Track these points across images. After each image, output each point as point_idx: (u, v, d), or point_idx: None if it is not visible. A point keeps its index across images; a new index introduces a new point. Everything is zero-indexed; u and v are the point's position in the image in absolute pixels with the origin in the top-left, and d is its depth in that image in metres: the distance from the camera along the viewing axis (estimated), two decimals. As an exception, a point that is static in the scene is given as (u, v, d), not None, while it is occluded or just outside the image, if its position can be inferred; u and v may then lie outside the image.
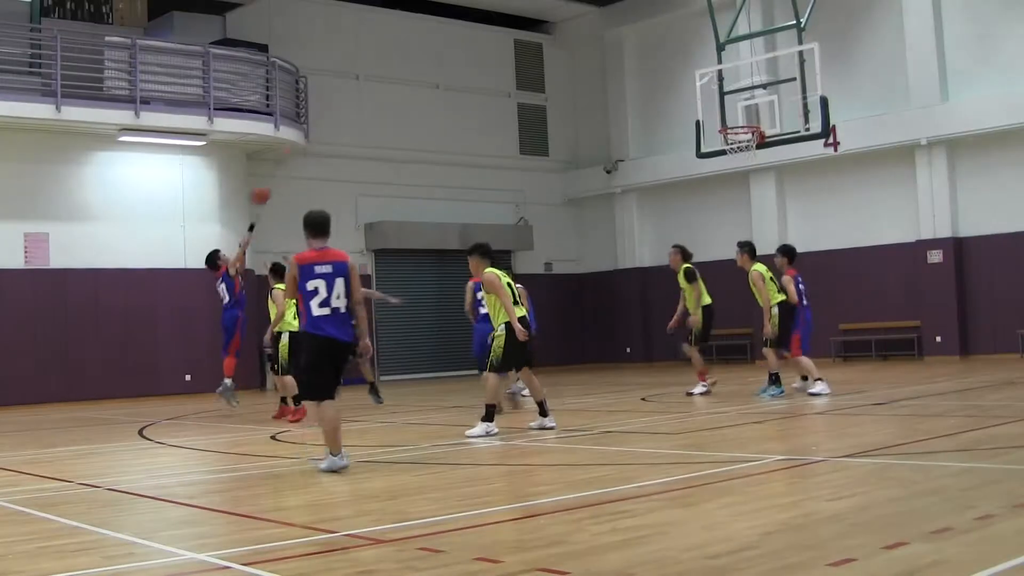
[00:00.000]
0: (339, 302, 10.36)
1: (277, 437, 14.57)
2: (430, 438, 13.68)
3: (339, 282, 10.38)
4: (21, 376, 25.15)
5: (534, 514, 7.73)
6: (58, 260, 25.86)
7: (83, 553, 7.03)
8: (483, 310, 15.78)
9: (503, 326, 13.19)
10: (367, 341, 10.59)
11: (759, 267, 17.82)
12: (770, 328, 17.42)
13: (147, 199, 27.17)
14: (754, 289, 17.73)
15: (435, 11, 34.82)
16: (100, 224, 26.66)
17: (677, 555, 6.14)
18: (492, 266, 13.67)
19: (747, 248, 18.28)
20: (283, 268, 16.50)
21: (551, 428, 13.54)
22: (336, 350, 10.36)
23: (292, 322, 16.69)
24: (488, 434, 12.98)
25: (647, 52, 35.95)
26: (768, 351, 17.63)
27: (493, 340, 13.33)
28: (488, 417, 13.16)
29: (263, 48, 30.09)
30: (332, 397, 10.41)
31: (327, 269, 10.36)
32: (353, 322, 10.56)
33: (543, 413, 13.64)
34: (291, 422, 16.84)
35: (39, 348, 25.59)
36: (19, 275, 25.53)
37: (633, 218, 35.94)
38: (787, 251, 18.71)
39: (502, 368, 13.43)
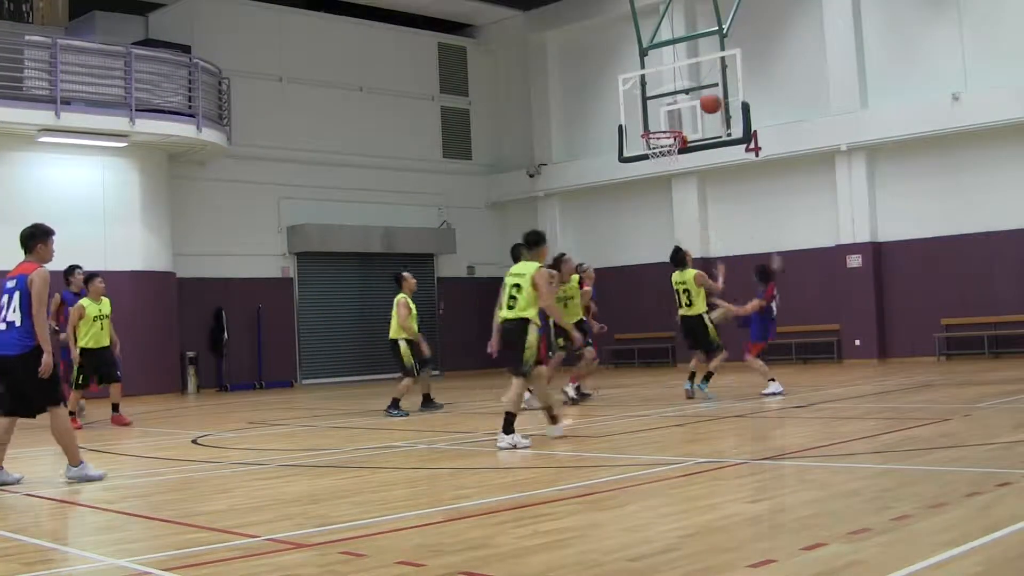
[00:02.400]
0: (14, 316, 10.45)
1: (198, 441, 14.46)
2: (353, 442, 13.65)
3: (16, 296, 10.52)
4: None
5: (456, 518, 7.72)
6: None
7: (0, 560, 6.94)
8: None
9: (537, 329, 12.51)
10: (48, 359, 10.39)
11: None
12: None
13: (67, 200, 26.77)
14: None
15: (359, 14, 34.67)
16: (19, 226, 25.96)
17: (599, 557, 6.18)
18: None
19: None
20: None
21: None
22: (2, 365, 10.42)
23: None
24: (516, 447, 12.05)
25: (571, 56, 36.07)
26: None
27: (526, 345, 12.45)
28: (508, 424, 12.20)
29: (186, 49, 29.84)
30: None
31: (11, 283, 10.61)
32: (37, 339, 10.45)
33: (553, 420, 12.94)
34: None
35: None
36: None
37: (556, 222, 36.00)
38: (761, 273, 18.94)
39: (528, 373, 12.55)
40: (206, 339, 30.42)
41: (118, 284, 26.31)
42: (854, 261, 29.12)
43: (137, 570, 6.39)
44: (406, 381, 17.77)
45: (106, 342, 17.95)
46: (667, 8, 26.83)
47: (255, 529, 7.51)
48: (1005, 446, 10.16)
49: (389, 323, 18.15)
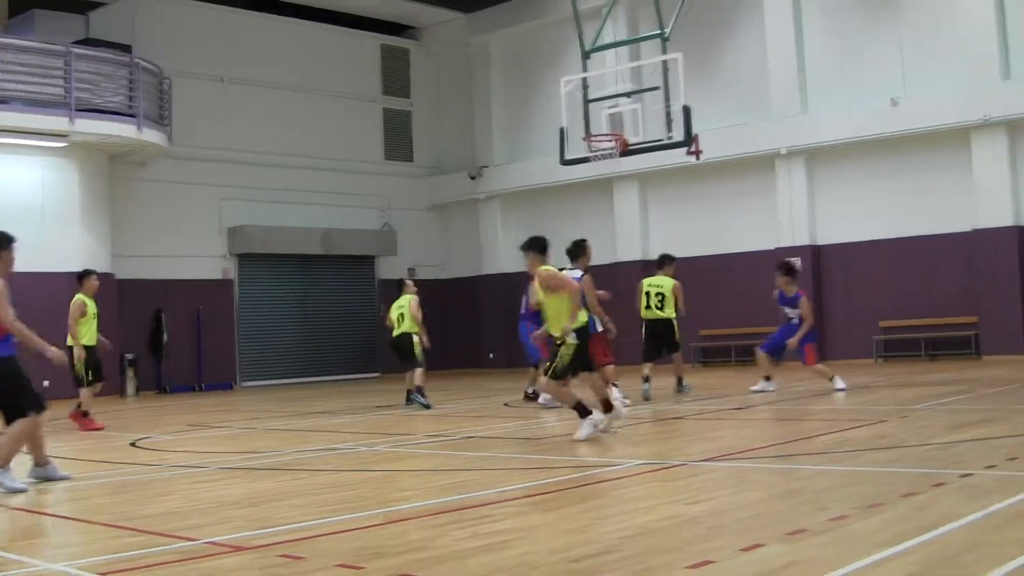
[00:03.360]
0: None
1: (137, 444, 14.37)
2: (293, 444, 13.60)
3: None
4: None
5: (396, 520, 7.72)
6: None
7: (-65, 563, 6.88)
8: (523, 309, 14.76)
9: (575, 334, 12.43)
10: (55, 353, 10.93)
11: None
12: None
13: (5, 200, 26.47)
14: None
15: (302, 15, 34.57)
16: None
17: (540, 559, 6.20)
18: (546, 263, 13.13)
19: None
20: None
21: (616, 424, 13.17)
22: None
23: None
24: (597, 427, 12.42)
25: (513, 59, 36.11)
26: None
27: (561, 346, 12.48)
28: (584, 412, 12.34)
29: (127, 49, 29.62)
30: None
31: None
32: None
33: (609, 409, 13.01)
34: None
35: None
36: None
37: (497, 224, 36.04)
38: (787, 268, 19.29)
39: (562, 375, 12.61)
40: (146, 341, 30.19)
41: (56, 285, 26.13)
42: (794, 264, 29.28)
43: (75, 574, 6.35)
44: (420, 371, 18.93)
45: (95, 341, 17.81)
46: (609, 11, 26.95)
47: (194, 532, 7.48)
48: (940, 447, 10.26)
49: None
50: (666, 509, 7.77)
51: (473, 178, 36.18)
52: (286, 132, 33.88)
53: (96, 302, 17.98)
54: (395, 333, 19.44)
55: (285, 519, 7.90)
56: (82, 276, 18.19)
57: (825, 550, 6.09)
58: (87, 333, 17.53)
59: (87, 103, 27.23)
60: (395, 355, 19.99)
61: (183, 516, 8.41)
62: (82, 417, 17.49)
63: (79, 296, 17.78)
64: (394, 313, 19.45)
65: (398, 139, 37.36)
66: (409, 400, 19.10)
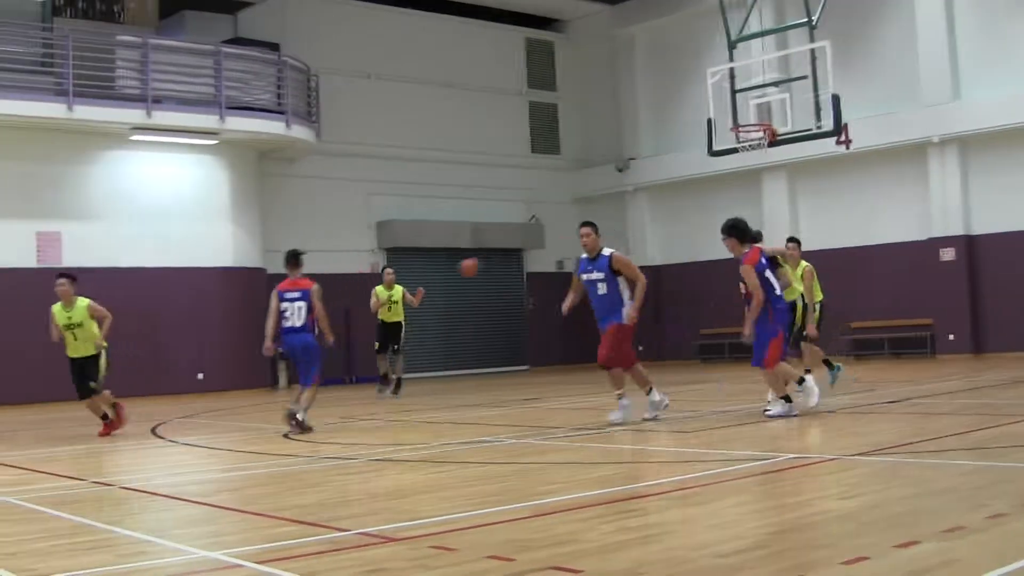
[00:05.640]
0: None
1: (289, 435, 14.57)
2: (441, 436, 13.66)
3: None
4: (34, 374, 25.13)
5: (544, 513, 7.71)
6: (70, 259, 25.72)
7: (95, 551, 7.03)
8: (776, 291, 13.97)
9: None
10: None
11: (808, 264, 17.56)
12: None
13: (159, 198, 27.19)
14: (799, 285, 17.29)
15: (447, 10, 34.80)
16: (112, 223, 26.67)
17: (687, 554, 6.13)
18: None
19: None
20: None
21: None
22: None
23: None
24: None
25: (658, 50, 35.89)
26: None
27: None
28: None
29: (274, 47, 30.11)
30: None
31: None
32: None
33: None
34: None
35: (50, 346, 25.56)
36: (32, 274, 25.50)
37: (644, 217, 35.90)
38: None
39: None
40: (296, 335, 30.57)
41: (208, 281, 26.79)
42: (947, 255, 28.71)
43: (229, 562, 6.43)
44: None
45: (81, 352, 16.08)
46: (755, 0, 26.62)
47: (346, 523, 7.53)
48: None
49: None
50: (817, 504, 7.66)
51: (621, 170, 36.06)
52: (432, 127, 34.12)
53: (83, 310, 16.17)
54: (389, 320, 22.91)
55: (434, 511, 7.92)
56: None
57: (983, 548, 5.93)
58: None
59: (237, 101, 27.76)
60: (384, 339, 22.99)
61: (333, 507, 8.51)
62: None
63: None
64: (383, 295, 22.82)
65: (544, 132, 37.42)
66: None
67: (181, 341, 27.21)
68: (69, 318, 15.99)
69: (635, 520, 7.24)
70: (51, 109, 25.30)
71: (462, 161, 34.49)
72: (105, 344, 16.08)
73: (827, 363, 17.91)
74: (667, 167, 34.86)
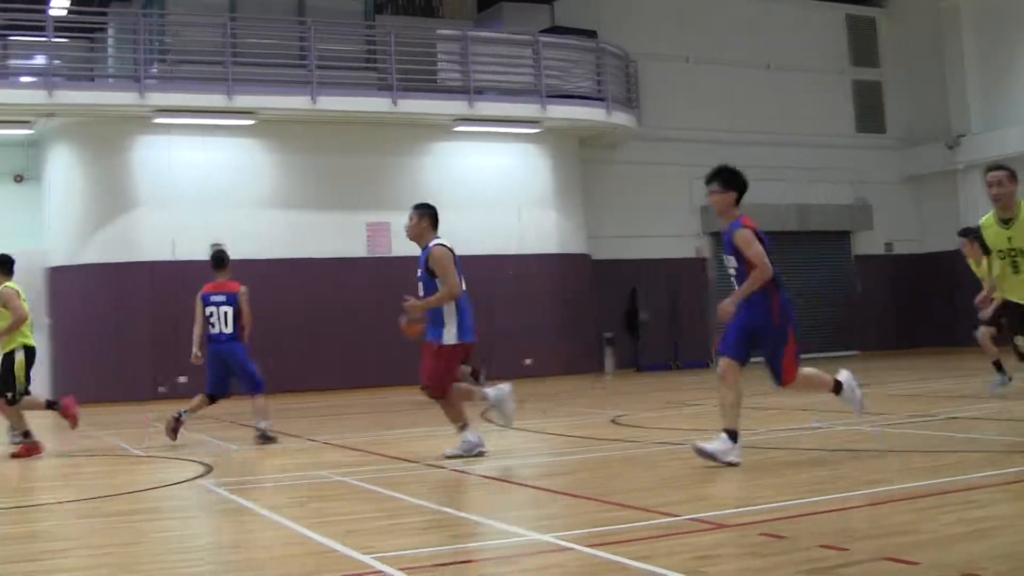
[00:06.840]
0: None
1: (617, 420, 14.53)
2: (766, 423, 13.35)
3: None
4: (371, 358, 26.02)
5: (878, 502, 7.50)
6: (400, 248, 26.41)
7: (431, 531, 7.26)
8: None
9: None
10: None
11: None
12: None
13: (483, 187, 27.73)
14: None
15: (764, -10, 34.35)
16: (440, 212, 27.14)
17: (1026, 549, 5.81)
18: None
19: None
20: None
21: None
22: None
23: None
24: None
25: (987, 19, 34.32)
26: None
27: None
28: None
29: (592, 34, 30.28)
30: None
31: None
32: None
33: None
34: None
35: (382, 332, 26.27)
36: (362, 263, 26.46)
37: (978, 196, 34.43)
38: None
39: None
40: (621, 320, 30.75)
41: (534, 266, 27.16)
42: None
43: (561, 545, 6.46)
44: None
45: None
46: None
47: (675, 508, 7.49)
48: None
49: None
50: None
51: (950, 148, 34.72)
52: (752, 109, 33.71)
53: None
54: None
55: (763, 498, 7.81)
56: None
57: None
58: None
59: (557, 89, 28.07)
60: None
61: (662, 492, 8.48)
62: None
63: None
64: None
65: (869, 111, 36.47)
66: None
67: (509, 327, 27.52)
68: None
69: (973, 512, 6.93)
70: (377, 104, 26.15)
71: (784, 143, 33.94)
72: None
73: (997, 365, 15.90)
74: (1001, 143, 33.24)
